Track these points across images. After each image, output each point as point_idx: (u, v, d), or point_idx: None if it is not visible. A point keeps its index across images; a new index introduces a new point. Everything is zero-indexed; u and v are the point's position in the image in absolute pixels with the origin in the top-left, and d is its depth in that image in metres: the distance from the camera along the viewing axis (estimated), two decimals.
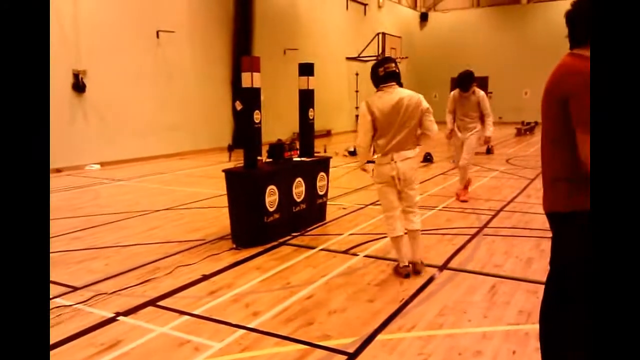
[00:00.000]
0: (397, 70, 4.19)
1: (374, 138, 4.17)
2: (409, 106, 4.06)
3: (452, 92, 7.38)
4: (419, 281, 4.20)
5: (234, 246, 5.19)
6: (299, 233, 5.67)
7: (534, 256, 4.81)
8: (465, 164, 7.30)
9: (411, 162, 4.16)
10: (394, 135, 4.07)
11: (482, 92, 7.26)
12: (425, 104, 4.15)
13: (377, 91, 4.18)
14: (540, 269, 4.43)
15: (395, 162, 4.09)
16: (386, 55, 5.05)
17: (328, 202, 6.50)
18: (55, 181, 9.62)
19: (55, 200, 7.85)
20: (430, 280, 4.23)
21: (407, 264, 4.28)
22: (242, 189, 5.24)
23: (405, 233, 4.37)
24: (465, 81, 7.14)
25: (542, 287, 3.87)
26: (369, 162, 4.29)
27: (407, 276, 4.21)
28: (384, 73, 4.12)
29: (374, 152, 4.23)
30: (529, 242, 5.28)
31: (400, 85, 4.20)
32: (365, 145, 4.21)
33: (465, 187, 7.51)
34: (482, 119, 7.30)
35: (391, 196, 4.24)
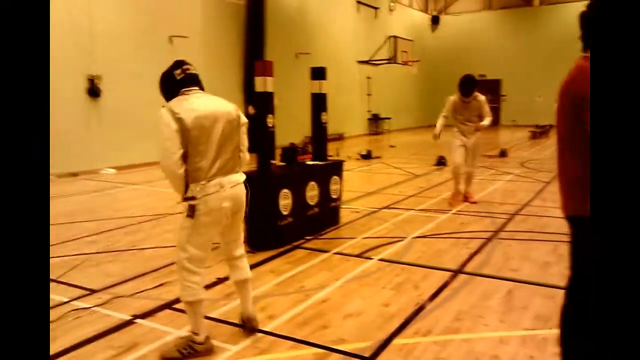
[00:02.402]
0: (197, 73, 3.16)
1: (186, 159, 2.91)
2: (229, 115, 3.07)
3: (452, 97, 7.08)
4: (434, 285, 4.18)
5: (248, 249, 5.17)
6: (312, 236, 5.67)
7: (550, 260, 4.77)
8: (473, 170, 7.39)
9: (242, 187, 3.15)
10: (218, 153, 2.97)
11: (483, 97, 7.04)
12: (243, 117, 3.20)
13: (178, 96, 3.02)
14: (558, 273, 4.39)
15: (225, 189, 2.99)
16: (180, 59, 3.02)
17: (341, 206, 6.49)
18: (71, 185, 9.73)
19: (72, 204, 7.94)
20: (446, 284, 4.21)
21: (207, 335, 3.12)
22: (255, 192, 5.24)
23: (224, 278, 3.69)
24: (467, 86, 6.90)
25: (560, 291, 3.86)
26: (186, 199, 2.97)
27: (207, 352, 3.09)
28: (184, 75, 3.05)
29: (187, 181, 2.95)
30: (545, 246, 5.23)
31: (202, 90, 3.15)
32: (179, 167, 2.89)
33: (465, 197, 7.49)
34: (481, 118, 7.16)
35: (207, 244, 3.06)
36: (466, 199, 7.45)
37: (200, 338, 3.07)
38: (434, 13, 28.14)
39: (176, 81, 3.05)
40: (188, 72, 3.06)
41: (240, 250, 3.34)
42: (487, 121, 6.98)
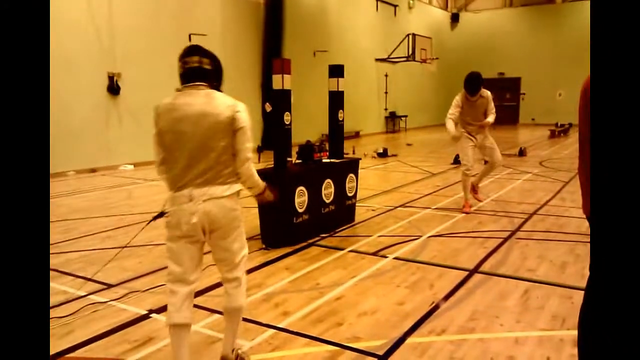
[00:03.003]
0: (208, 67, 2.69)
1: (165, 165, 2.66)
2: (218, 116, 2.57)
3: (458, 96, 6.70)
4: (449, 285, 4.15)
5: (264, 246, 5.22)
6: (328, 234, 5.67)
7: (568, 260, 4.70)
8: (499, 161, 6.86)
9: (225, 203, 2.60)
10: (193, 160, 2.56)
11: (488, 92, 6.70)
12: (242, 120, 2.64)
13: (175, 93, 2.70)
14: (575, 273, 4.33)
15: (195, 202, 2.55)
16: (193, 44, 2.64)
17: (357, 204, 6.48)
18: (90, 181, 9.87)
19: (90, 199, 8.05)
20: (461, 284, 4.18)
21: None
22: (271, 189, 5.26)
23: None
24: (473, 84, 6.56)
25: (578, 292, 3.82)
26: (159, 214, 2.77)
27: None
28: (183, 70, 2.68)
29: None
30: (563, 246, 5.16)
31: (216, 88, 2.74)
32: (160, 173, 2.72)
33: (474, 190, 7.21)
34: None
35: (184, 258, 2.63)
36: (473, 189, 7.13)
37: None
38: (454, 10, 27.91)
39: (180, 74, 2.70)
40: (187, 66, 2.65)
41: (232, 273, 2.76)
42: (491, 118, 6.66)
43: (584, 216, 2.38)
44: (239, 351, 2.90)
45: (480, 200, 7.21)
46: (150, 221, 2.76)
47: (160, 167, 2.66)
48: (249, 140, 2.67)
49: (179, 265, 2.63)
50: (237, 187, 2.67)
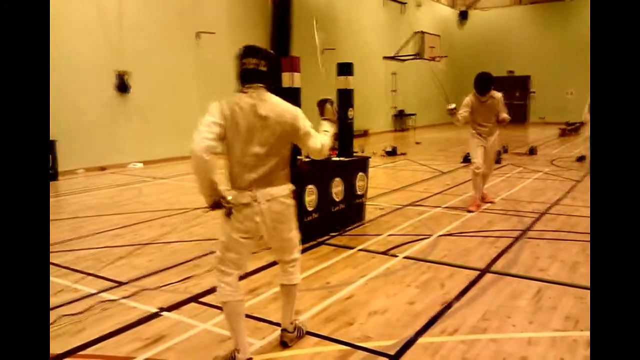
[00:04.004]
0: (264, 68, 2.76)
1: (225, 162, 2.78)
2: (278, 125, 2.72)
3: (469, 97, 6.68)
4: (460, 284, 4.12)
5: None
6: (337, 233, 5.65)
7: (580, 260, 4.65)
8: (489, 172, 7.08)
9: (284, 201, 2.82)
10: (255, 164, 2.71)
11: (499, 94, 6.67)
12: (302, 126, 2.80)
13: (238, 93, 2.77)
14: (587, 273, 4.25)
15: (259, 202, 2.72)
16: (252, 45, 2.68)
17: (366, 202, 6.45)
18: (99, 179, 9.91)
19: (99, 197, 8.08)
20: (473, 283, 4.15)
21: (249, 356, 2.86)
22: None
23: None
24: (484, 84, 6.55)
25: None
26: (215, 205, 2.74)
27: None
28: (241, 71, 2.77)
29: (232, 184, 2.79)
30: (575, 245, 5.11)
31: (272, 90, 2.82)
32: (206, 154, 2.59)
33: (481, 197, 7.06)
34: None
35: (243, 249, 2.82)
36: (482, 199, 7.10)
37: (239, 357, 2.78)
38: (462, 8, 27.74)
39: (238, 75, 2.78)
40: (244, 67, 2.74)
41: (291, 255, 3.01)
42: (505, 114, 6.67)
43: None
44: (296, 322, 3.20)
45: (492, 202, 7.16)
46: (208, 210, 2.85)
47: (208, 152, 2.56)
48: (314, 136, 2.83)
49: (236, 254, 2.81)
50: (291, 186, 2.88)
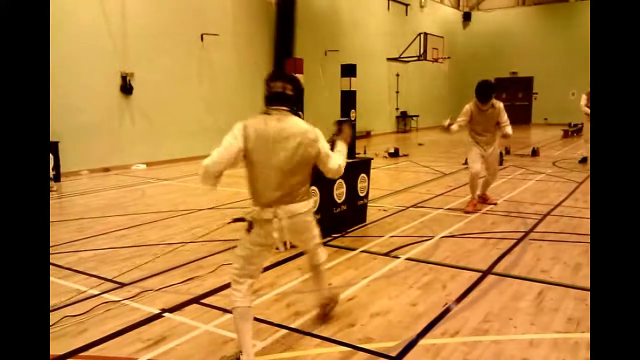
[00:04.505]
0: (290, 92, 2.93)
1: (248, 179, 2.91)
2: (301, 147, 2.85)
3: (469, 105, 6.61)
4: (462, 286, 4.13)
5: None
6: (339, 234, 5.66)
7: (583, 262, 4.65)
8: (492, 179, 7.09)
9: (305, 217, 2.97)
10: (278, 182, 2.83)
11: (500, 104, 6.61)
12: (322, 147, 2.95)
13: (262, 114, 2.93)
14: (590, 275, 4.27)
15: (280, 219, 2.85)
16: (280, 70, 3.43)
17: (368, 204, 6.46)
18: (102, 180, 9.94)
19: (103, 198, 8.11)
20: (475, 285, 4.15)
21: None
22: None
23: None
24: (485, 92, 6.43)
25: None
26: (236, 219, 3.05)
27: None
28: (267, 93, 2.96)
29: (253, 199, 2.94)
30: (577, 247, 5.10)
31: (296, 113, 2.95)
32: (214, 175, 2.78)
33: (483, 199, 7.19)
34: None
35: (258, 260, 2.99)
36: (484, 201, 7.14)
37: (244, 359, 2.83)
38: (466, 9, 27.74)
39: (264, 97, 2.97)
40: (271, 90, 2.93)
41: (310, 245, 3.25)
42: (509, 129, 6.61)
43: None
44: (330, 296, 3.51)
45: (495, 203, 7.14)
46: (230, 222, 3.10)
47: (216, 169, 2.74)
48: (332, 157, 3.02)
49: (251, 265, 2.95)
50: (312, 202, 3.04)
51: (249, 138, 2.79)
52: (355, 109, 6.24)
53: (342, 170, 3.07)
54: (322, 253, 3.39)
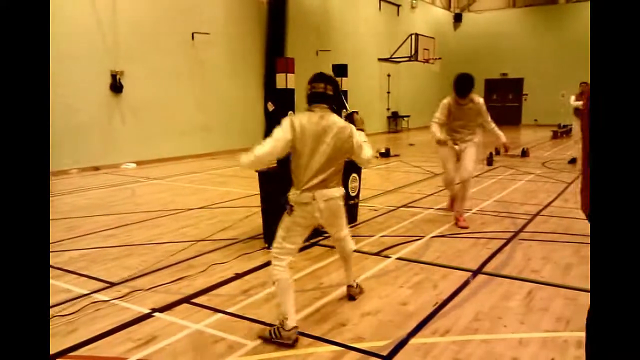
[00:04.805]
0: (330, 92, 3.31)
1: (292, 167, 3.29)
2: (339, 140, 3.24)
3: (447, 100, 6.00)
4: (453, 285, 4.14)
5: (266, 245, 5.21)
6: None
7: (573, 262, 4.69)
8: (468, 176, 5.99)
9: (338, 201, 3.37)
10: (317, 170, 3.21)
11: (481, 99, 6.00)
12: (357, 140, 3.33)
13: (306, 111, 3.34)
14: (580, 275, 4.32)
15: (318, 202, 3.23)
16: (321, 72, 3.30)
17: (359, 204, 6.47)
18: (92, 179, 9.87)
19: (92, 197, 8.05)
20: (465, 284, 4.17)
21: (295, 325, 3.17)
22: (274, 189, 5.26)
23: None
24: (464, 86, 5.84)
25: (582, 293, 3.81)
26: (286, 202, 3.32)
27: (295, 342, 3.14)
28: (309, 93, 3.34)
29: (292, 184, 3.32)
30: (567, 247, 5.15)
31: (334, 110, 3.35)
32: (266, 161, 3.32)
33: (456, 218, 6.22)
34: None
35: (299, 239, 3.36)
36: (457, 221, 6.13)
37: (288, 324, 3.14)
38: (457, 10, 27.87)
39: (307, 96, 3.37)
40: (314, 90, 3.32)
41: (342, 233, 3.62)
42: (501, 134, 6.11)
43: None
44: (356, 282, 3.93)
45: (466, 227, 5.98)
46: (283, 204, 3.34)
47: (270, 157, 3.22)
48: (364, 149, 3.38)
49: (292, 244, 3.31)
50: (343, 189, 3.41)
51: (296, 131, 3.17)
52: (346, 109, 6.24)
53: (373, 159, 3.52)
54: (350, 242, 3.74)
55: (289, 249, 3.30)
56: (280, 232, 3.33)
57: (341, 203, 3.42)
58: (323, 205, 3.24)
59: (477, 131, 6.15)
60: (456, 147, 6.05)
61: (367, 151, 3.41)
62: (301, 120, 3.21)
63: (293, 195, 3.26)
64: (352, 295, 3.87)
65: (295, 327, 3.17)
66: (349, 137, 3.27)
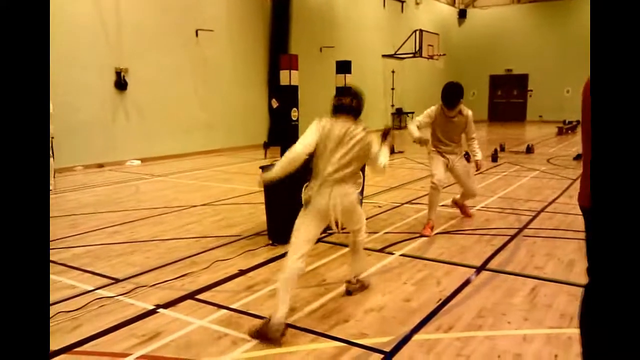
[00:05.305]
0: (354, 105, 3.60)
1: (314, 164, 3.55)
2: (358, 144, 3.52)
3: (434, 107, 5.72)
4: (456, 282, 4.14)
5: (270, 242, 5.22)
6: (334, 230, 5.65)
7: (576, 258, 4.67)
8: (474, 195, 6.10)
9: (352, 198, 3.56)
10: (337, 168, 3.45)
11: (469, 112, 5.72)
12: (373, 144, 3.62)
13: (331, 117, 3.63)
14: (583, 271, 4.27)
15: (334, 197, 3.44)
16: (350, 87, 3.54)
17: (363, 200, 6.46)
18: (97, 176, 9.91)
19: (96, 194, 8.08)
20: (468, 281, 4.16)
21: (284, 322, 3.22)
22: (278, 185, 5.26)
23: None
24: (452, 96, 5.56)
25: None
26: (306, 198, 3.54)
27: (281, 336, 3.17)
28: (335, 104, 3.64)
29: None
30: (571, 244, 5.13)
31: (357, 120, 3.61)
32: (299, 156, 3.45)
33: (460, 209, 6.32)
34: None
35: (315, 231, 3.51)
36: (461, 210, 6.33)
37: (276, 316, 3.20)
38: (462, 6, 27.77)
39: (333, 106, 3.66)
40: (340, 102, 3.62)
41: (357, 225, 3.81)
42: (478, 152, 5.84)
43: None
44: (357, 279, 3.99)
45: (469, 216, 6.24)
46: (305, 204, 3.53)
47: (305, 152, 3.45)
48: (380, 158, 3.63)
49: (308, 236, 3.47)
50: (358, 188, 3.65)
51: (321, 132, 3.49)
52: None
53: (386, 170, 3.72)
54: (363, 234, 3.91)
55: (304, 240, 3.45)
56: (296, 224, 3.51)
57: (355, 200, 3.63)
58: (338, 200, 3.45)
59: (462, 144, 5.87)
60: (444, 157, 5.76)
61: (382, 160, 3.65)
62: (326, 124, 3.54)
63: (311, 189, 3.49)
64: (349, 290, 3.92)
65: (283, 323, 3.17)
66: (368, 145, 3.57)
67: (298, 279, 3.37)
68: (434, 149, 5.82)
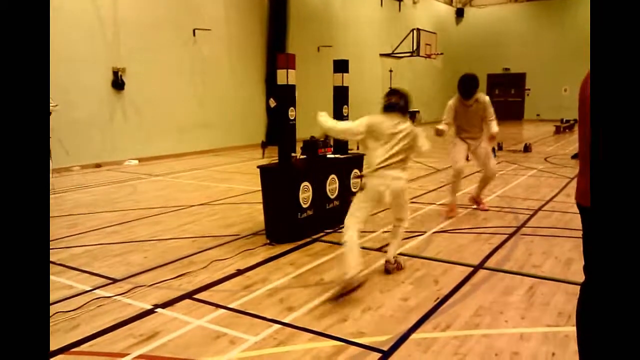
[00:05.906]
0: (402, 104, 4.18)
1: (367, 153, 4.17)
2: (406, 136, 4.12)
3: (452, 100, 6.26)
4: (454, 280, 4.15)
5: (268, 242, 5.23)
6: (332, 230, 5.67)
7: (574, 257, 4.68)
8: (493, 174, 6.53)
9: (403, 182, 4.16)
10: (389, 155, 4.04)
11: (486, 98, 6.22)
12: (418, 134, 4.20)
13: (382, 113, 4.22)
14: (581, 270, 4.29)
15: (387, 180, 4.02)
16: (396, 88, 4.37)
17: None
18: (94, 176, 9.89)
19: (95, 194, 8.07)
20: (466, 279, 4.17)
21: (352, 274, 3.85)
22: (276, 185, 5.28)
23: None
24: (468, 87, 6.09)
25: None
26: (360, 175, 4.42)
27: (360, 284, 3.95)
28: (385, 103, 4.24)
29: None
30: (569, 242, 5.14)
31: (404, 117, 4.18)
32: (352, 134, 4.19)
33: (476, 201, 6.76)
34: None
35: (368, 210, 4.13)
36: (476, 204, 6.70)
37: (346, 276, 3.82)
38: (459, 5, 27.78)
39: (383, 105, 4.22)
40: (389, 101, 4.19)
41: (401, 215, 4.35)
42: (495, 127, 6.21)
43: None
44: (397, 257, 4.44)
45: (485, 210, 6.60)
46: (357, 177, 4.28)
47: (359, 131, 4.08)
48: (424, 144, 4.23)
49: (362, 214, 4.06)
50: (407, 173, 4.24)
51: (369, 126, 4.07)
52: (347, 104, 6.24)
53: (428, 151, 4.31)
54: (406, 225, 4.45)
55: (357, 218, 4.02)
56: (352, 206, 4.10)
57: (405, 183, 4.18)
58: (390, 181, 3.99)
59: (484, 128, 6.35)
60: (467, 143, 6.36)
61: (425, 145, 4.24)
62: (376, 120, 4.11)
63: (367, 172, 4.07)
64: (387, 269, 4.33)
65: (355, 275, 3.81)
66: (415, 137, 4.15)
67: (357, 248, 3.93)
68: (457, 137, 6.41)
